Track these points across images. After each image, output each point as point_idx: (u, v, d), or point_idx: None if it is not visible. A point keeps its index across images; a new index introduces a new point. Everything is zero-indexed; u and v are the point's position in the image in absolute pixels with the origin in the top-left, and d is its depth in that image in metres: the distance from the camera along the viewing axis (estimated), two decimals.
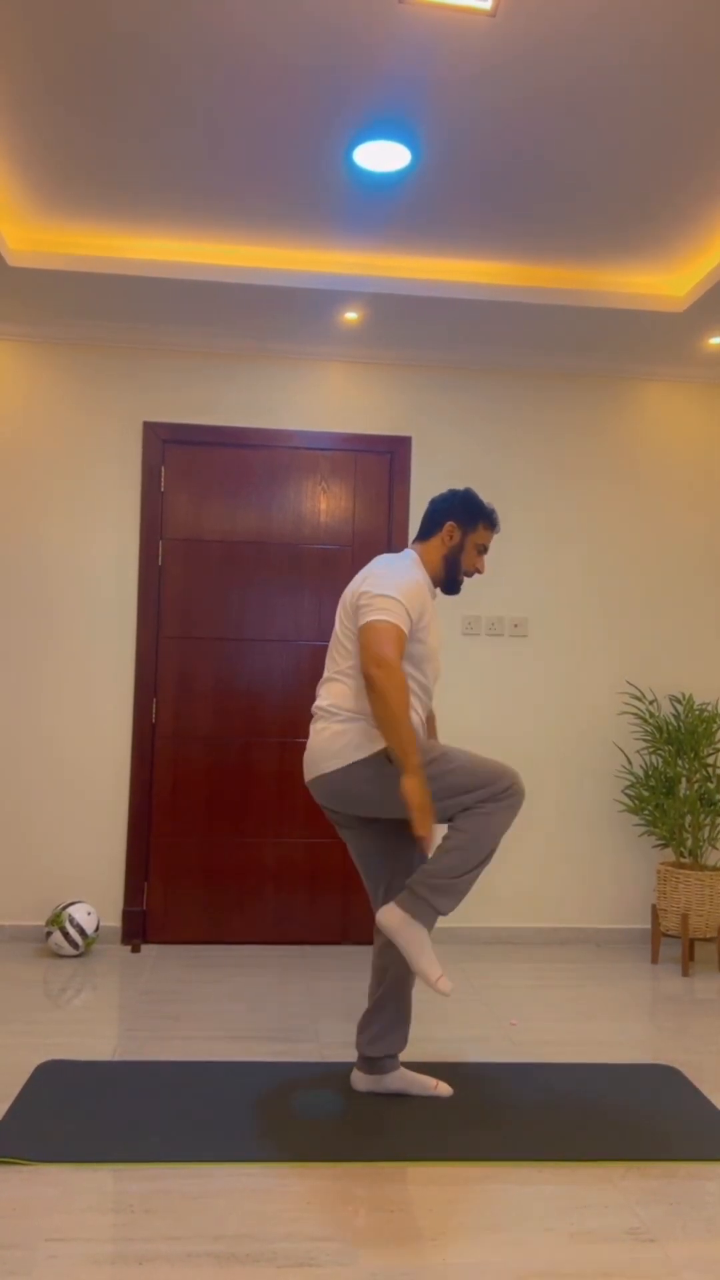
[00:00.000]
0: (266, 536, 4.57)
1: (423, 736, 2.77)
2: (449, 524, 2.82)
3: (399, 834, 2.84)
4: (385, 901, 2.82)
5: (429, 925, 2.59)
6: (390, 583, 2.64)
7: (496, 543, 4.66)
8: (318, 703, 2.78)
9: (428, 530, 2.86)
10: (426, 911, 2.58)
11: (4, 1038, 3.21)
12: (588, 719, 4.68)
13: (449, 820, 2.66)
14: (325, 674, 2.80)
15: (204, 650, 4.52)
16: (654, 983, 4.04)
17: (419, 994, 3.77)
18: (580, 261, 3.93)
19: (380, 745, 2.65)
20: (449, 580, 2.85)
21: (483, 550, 2.87)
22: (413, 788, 2.50)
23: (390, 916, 2.59)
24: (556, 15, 2.53)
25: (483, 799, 2.62)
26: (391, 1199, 2.29)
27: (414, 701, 2.75)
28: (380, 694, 2.50)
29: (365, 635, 2.58)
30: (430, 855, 2.67)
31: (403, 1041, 2.82)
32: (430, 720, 3.00)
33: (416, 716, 2.76)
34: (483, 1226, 2.18)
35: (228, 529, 4.56)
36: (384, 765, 2.65)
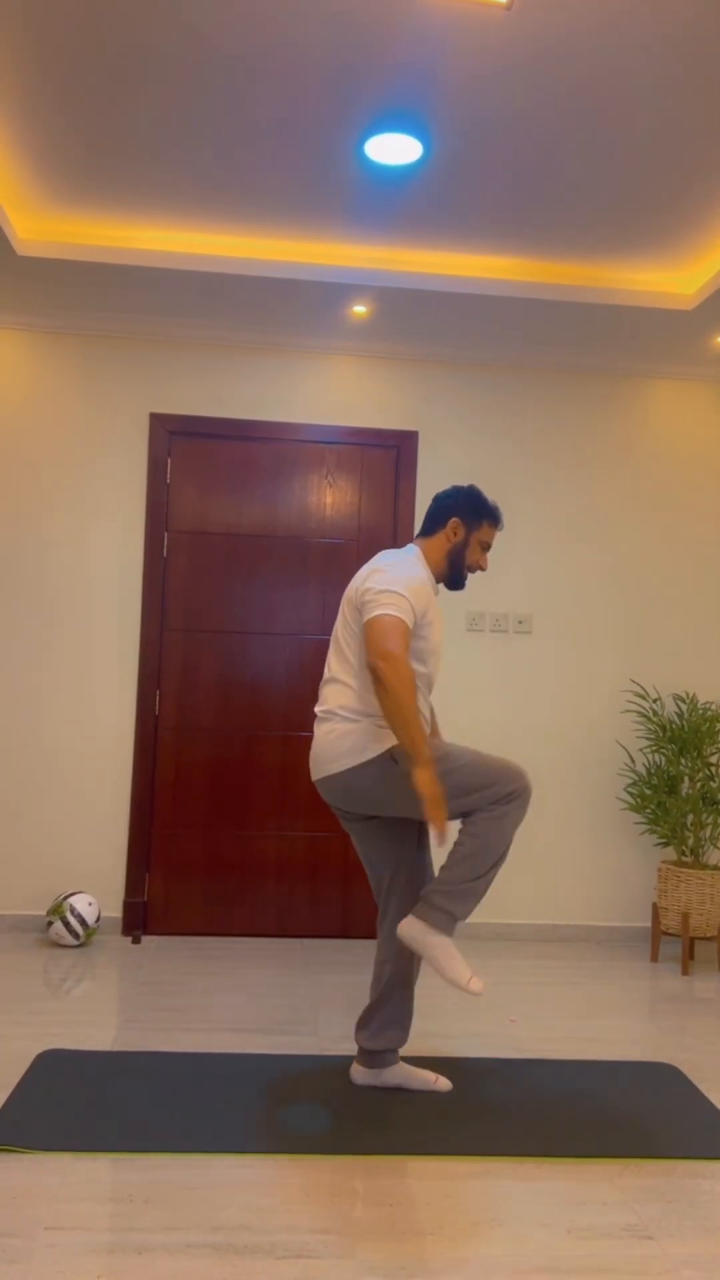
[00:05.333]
0: (272, 530, 4.57)
1: (428, 735, 2.77)
2: (453, 520, 2.82)
3: (404, 830, 2.84)
4: (387, 896, 2.82)
5: (449, 932, 2.58)
6: (394, 578, 2.64)
7: (502, 539, 4.65)
8: (320, 705, 2.77)
9: (431, 526, 2.85)
10: (445, 919, 2.57)
11: (4, 1027, 3.21)
12: (591, 717, 4.68)
13: (460, 817, 2.65)
14: (326, 674, 2.79)
15: (208, 643, 4.52)
16: (654, 981, 4.04)
17: (419, 988, 3.77)
18: (590, 258, 3.92)
19: (385, 745, 2.65)
20: (453, 576, 2.85)
21: (486, 547, 2.87)
22: (424, 780, 2.49)
23: (410, 928, 2.58)
24: (571, 11, 2.52)
25: (492, 799, 2.60)
26: (389, 1192, 2.29)
27: (418, 697, 2.75)
28: (388, 688, 2.49)
29: (371, 630, 2.57)
30: (443, 850, 2.65)
31: (404, 1037, 2.83)
32: (431, 718, 2.99)
33: (421, 714, 2.76)
34: (480, 1221, 2.19)
35: (233, 522, 4.55)
36: (389, 765, 2.64)
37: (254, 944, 4.36)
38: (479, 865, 2.58)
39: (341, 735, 2.68)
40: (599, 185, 3.38)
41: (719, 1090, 2.94)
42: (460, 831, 2.63)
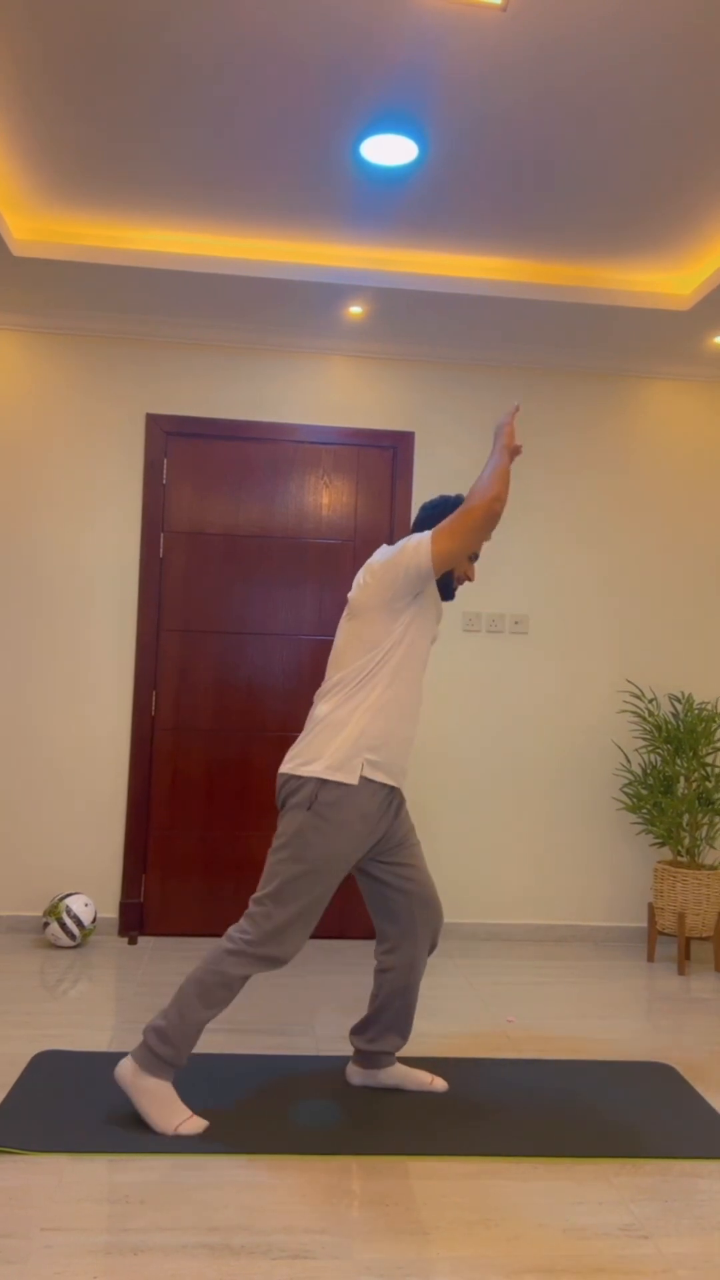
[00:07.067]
0: (268, 530, 4.57)
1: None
2: None
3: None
4: (378, 913, 2.77)
5: (166, 1076, 2.52)
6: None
7: (498, 540, 4.66)
8: (312, 710, 2.70)
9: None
10: (153, 1061, 2.51)
11: (1, 1028, 3.21)
12: (587, 717, 4.68)
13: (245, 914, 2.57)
14: (324, 684, 2.71)
15: (204, 643, 4.52)
16: (650, 981, 4.04)
17: None
18: (586, 258, 3.93)
19: (348, 778, 2.55)
20: (442, 585, 2.77)
21: (473, 558, 2.76)
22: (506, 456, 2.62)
23: (122, 1070, 2.54)
24: (567, 12, 2.52)
25: (249, 934, 2.52)
26: (386, 1192, 2.30)
27: (410, 700, 2.68)
28: (491, 501, 2.57)
29: (444, 531, 2.59)
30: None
31: (402, 1042, 2.82)
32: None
33: (409, 729, 2.66)
34: (477, 1221, 2.19)
35: (230, 522, 4.55)
36: (321, 815, 2.54)
37: None
38: (187, 1007, 2.50)
39: (317, 745, 2.60)
40: (595, 186, 3.38)
41: (715, 1090, 2.95)
42: (197, 974, 2.54)
